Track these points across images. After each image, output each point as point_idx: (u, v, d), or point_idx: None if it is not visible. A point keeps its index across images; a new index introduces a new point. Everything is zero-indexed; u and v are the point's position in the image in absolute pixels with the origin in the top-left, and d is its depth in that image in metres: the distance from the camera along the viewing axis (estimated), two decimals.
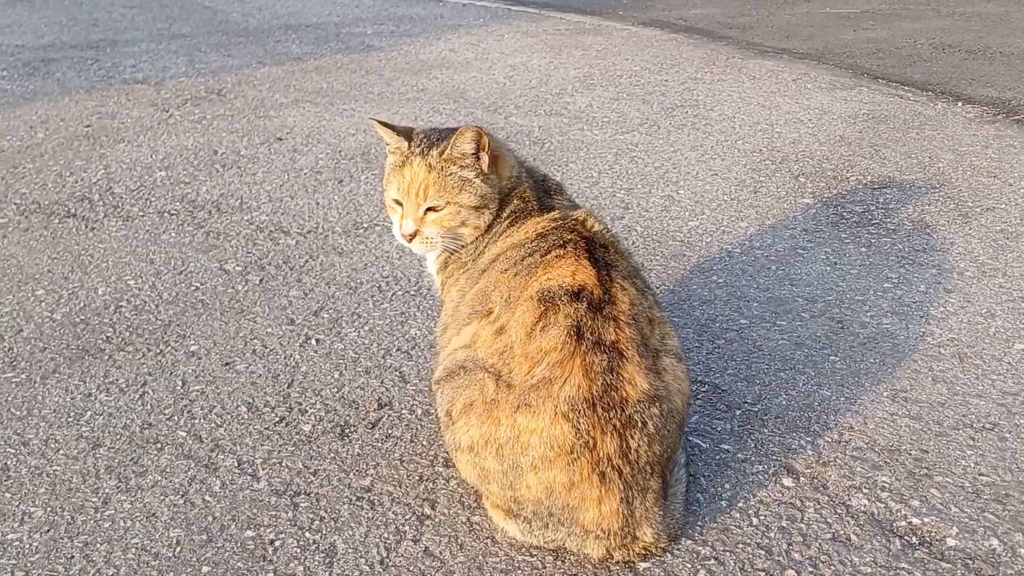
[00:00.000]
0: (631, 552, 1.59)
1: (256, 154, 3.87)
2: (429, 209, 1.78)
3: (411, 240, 1.80)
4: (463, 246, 1.82)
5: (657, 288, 2.66)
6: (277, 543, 1.65)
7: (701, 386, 2.18)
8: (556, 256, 1.67)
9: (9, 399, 2.09)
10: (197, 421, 2.00)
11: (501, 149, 1.85)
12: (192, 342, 2.36)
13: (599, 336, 1.56)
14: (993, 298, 2.62)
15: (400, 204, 1.80)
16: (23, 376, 2.18)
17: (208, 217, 3.19)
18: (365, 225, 3.14)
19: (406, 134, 1.83)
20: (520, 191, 1.86)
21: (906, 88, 5.02)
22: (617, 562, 1.59)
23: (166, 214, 3.21)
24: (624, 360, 1.56)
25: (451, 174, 1.77)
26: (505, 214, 1.83)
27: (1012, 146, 3.95)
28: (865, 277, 2.76)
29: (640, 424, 1.54)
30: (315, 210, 3.27)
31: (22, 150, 3.89)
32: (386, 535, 1.67)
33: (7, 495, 1.77)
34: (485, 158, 1.78)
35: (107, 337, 2.37)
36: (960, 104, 4.66)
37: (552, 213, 1.82)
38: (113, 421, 2.00)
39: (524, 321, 1.59)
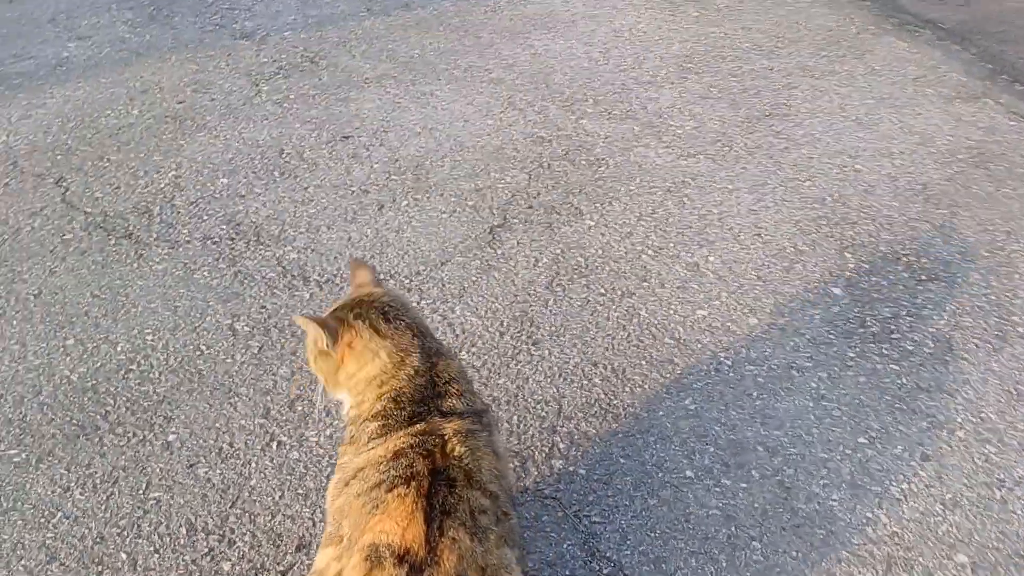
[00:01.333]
0: None
1: (317, 158, 4.02)
2: None
3: None
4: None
5: (622, 412, 2.69)
6: None
7: (605, 563, 2.27)
8: (396, 497, 1.77)
9: (4, 483, 2.45)
10: (141, 541, 2.30)
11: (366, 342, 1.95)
12: (173, 430, 2.64)
13: None
14: (967, 480, 2.49)
15: None
16: (23, 456, 2.54)
17: (244, 250, 3.42)
18: (381, 275, 3.28)
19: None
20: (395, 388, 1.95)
21: None
22: None
23: (209, 242, 3.46)
24: None
25: None
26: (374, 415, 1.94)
27: None
28: (844, 424, 2.67)
29: None
30: (343, 248, 3.43)
31: (113, 133, 4.21)
32: None
33: None
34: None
35: (106, 412, 2.69)
36: None
37: (419, 425, 1.91)
38: (74, 529, 2.33)
39: (353, 571, 1.73)
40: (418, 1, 5.86)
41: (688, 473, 2.51)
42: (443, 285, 3.23)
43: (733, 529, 2.35)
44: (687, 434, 2.63)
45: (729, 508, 2.41)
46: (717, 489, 2.46)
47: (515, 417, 2.68)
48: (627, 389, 2.79)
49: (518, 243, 3.47)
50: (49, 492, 2.42)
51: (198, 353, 2.92)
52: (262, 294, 3.19)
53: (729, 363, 2.90)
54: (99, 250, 3.41)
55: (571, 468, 2.53)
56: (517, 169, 3.97)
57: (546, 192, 3.81)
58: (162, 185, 3.81)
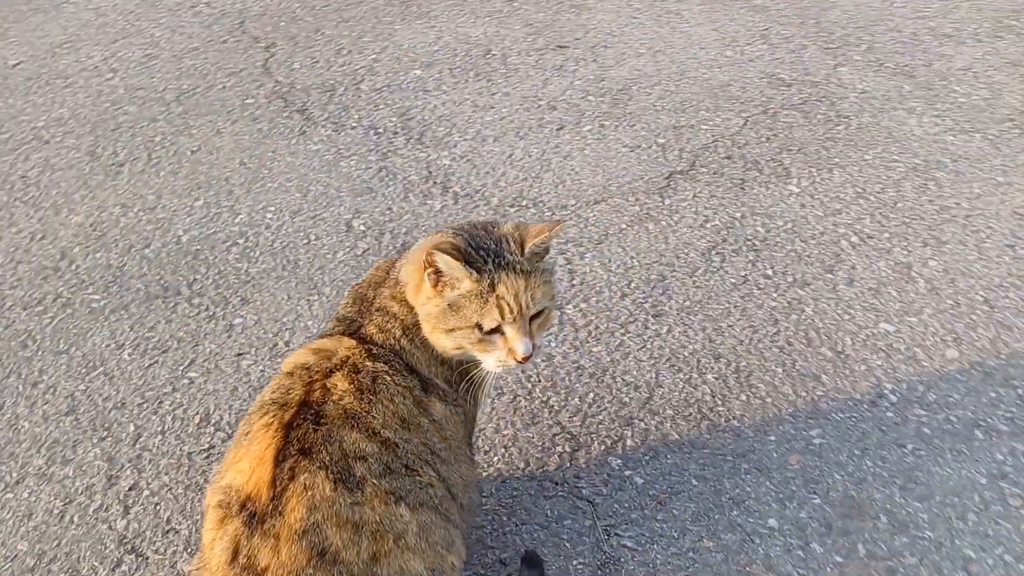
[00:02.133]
0: None
1: (520, 65, 3.68)
2: (533, 318, 1.59)
3: (527, 361, 1.57)
4: None
5: (722, 424, 2.16)
6: None
7: None
8: (261, 428, 1.48)
9: (71, 326, 2.46)
10: (154, 418, 2.20)
11: None
12: (242, 313, 2.51)
13: (252, 560, 1.39)
14: None
15: (499, 332, 1.55)
16: (101, 304, 2.54)
17: (401, 147, 3.20)
18: (524, 201, 2.91)
19: (475, 266, 1.54)
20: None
21: None
22: None
23: (372, 132, 3.28)
24: None
25: (543, 271, 1.60)
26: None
27: None
28: (1019, 520, 1.93)
29: None
30: (499, 164, 3.10)
31: (340, 8, 4.15)
32: None
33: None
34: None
35: (194, 280, 2.61)
36: None
37: (326, 340, 1.62)
38: (103, 389, 2.28)
39: (208, 527, 1.46)
40: None
41: (772, 522, 1.94)
42: (585, 226, 2.80)
43: None
44: (794, 473, 2.04)
45: None
46: (800, 553, 1.87)
47: (591, 394, 2.24)
48: (743, 397, 2.22)
49: (694, 196, 2.92)
50: (103, 345, 2.39)
51: (304, 242, 2.76)
52: (394, 195, 2.95)
53: (894, 399, 2.22)
54: (269, 119, 3.35)
55: (627, 472, 2.05)
56: (734, 111, 3.36)
57: (756, 143, 3.18)
58: (357, 67, 3.68)
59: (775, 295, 2.54)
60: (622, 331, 2.42)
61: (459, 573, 1.57)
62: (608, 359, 2.34)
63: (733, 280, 2.59)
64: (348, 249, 2.71)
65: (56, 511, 1.96)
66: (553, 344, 2.37)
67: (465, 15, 4.07)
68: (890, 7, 4.12)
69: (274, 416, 1.48)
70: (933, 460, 2.06)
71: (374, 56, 3.75)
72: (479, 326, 1.54)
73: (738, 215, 2.84)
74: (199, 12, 4.11)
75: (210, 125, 3.30)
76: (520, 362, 1.56)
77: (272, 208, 2.89)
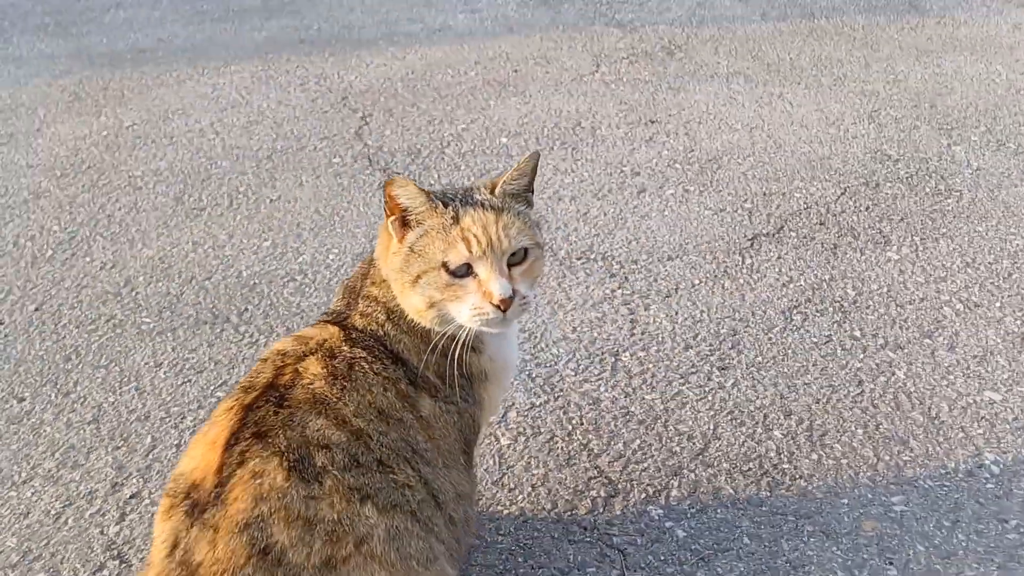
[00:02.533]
0: None
1: (608, 136, 3.61)
2: (511, 264, 1.39)
3: (507, 308, 1.35)
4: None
5: (786, 481, 1.87)
6: None
7: None
8: (221, 413, 1.33)
9: (117, 344, 2.43)
10: (172, 432, 2.10)
11: None
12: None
13: (188, 553, 1.22)
14: None
15: (471, 275, 1.37)
16: (151, 326, 2.51)
17: None
18: (592, 255, 2.76)
19: (440, 200, 1.41)
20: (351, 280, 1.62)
21: None
22: None
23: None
24: None
25: (520, 211, 1.42)
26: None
27: None
28: None
29: None
30: (572, 220, 2.97)
31: (439, 88, 4.22)
32: None
33: None
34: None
35: (245, 310, 2.56)
36: None
37: (311, 328, 1.49)
38: (132, 402, 2.21)
39: (156, 519, 1.31)
40: (825, 12, 5.13)
41: None
42: (654, 280, 2.61)
43: None
44: (868, 540, 1.73)
45: None
46: None
47: (637, 441, 2.00)
48: (814, 456, 1.94)
49: (778, 258, 2.70)
50: (141, 362, 2.34)
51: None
52: None
53: (996, 470, 1.88)
54: (351, 176, 3.37)
55: (668, 523, 1.79)
56: (832, 182, 3.14)
57: (854, 212, 2.94)
58: (446, 134, 3.69)
59: (862, 356, 2.26)
60: (681, 381, 2.19)
61: None
62: (662, 407, 2.11)
63: (814, 339, 2.33)
64: None
65: (53, 512, 1.86)
66: (602, 388, 2.16)
67: (560, 94, 4.06)
68: (1015, 94, 3.86)
69: (236, 399, 1.35)
70: None
71: (464, 126, 3.76)
72: (445, 265, 1.36)
73: (826, 278, 2.60)
74: (307, 88, 4.27)
75: (294, 179, 3.34)
76: (499, 308, 1.35)
77: (336, 250, 2.84)
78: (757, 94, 3.97)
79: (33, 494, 1.91)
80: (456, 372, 1.46)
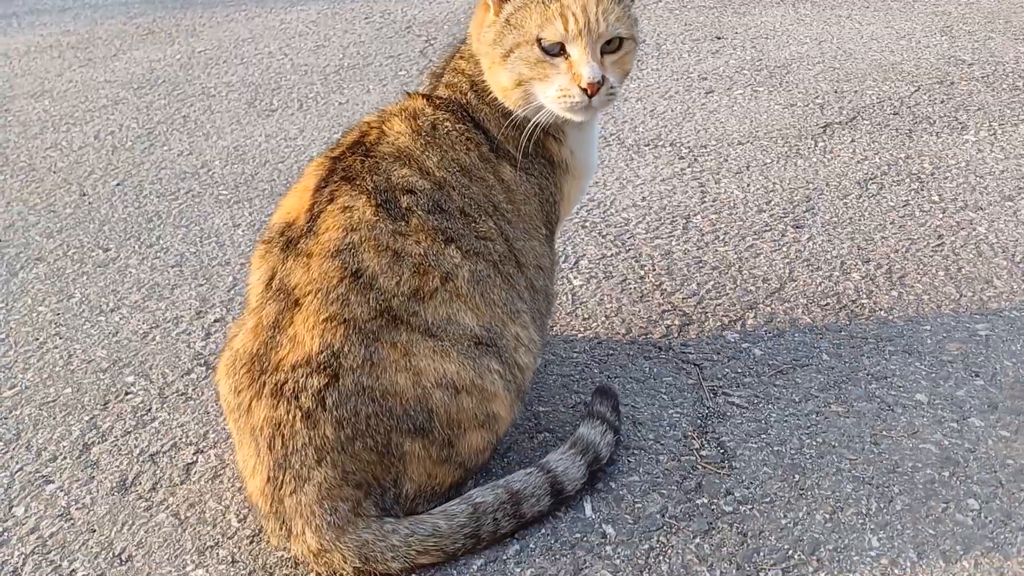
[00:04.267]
0: (293, 550, 1.28)
1: (670, 51, 3.59)
2: (604, 52, 1.36)
3: (594, 94, 1.32)
4: None
5: (865, 314, 1.85)
6: None
7: (713, 447, 1.52)
8: (311, 170, 1.37)
9: (195, 212, 2.49)
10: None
11: None
12: None
13: (284, 281, 1.26)
14: None
15: (563, 50, 1.34)
16: (226, 197, 2.56)
17: None
18: (661, 143, 2.75)
19: None
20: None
21: None
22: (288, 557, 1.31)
23: None
24: (298, 310, 1.23)
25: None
26: None
27: None
28: None
29: (291, 394, 1.21)
30: (640, 116, 2.96)
31: None
32: None
33: None
34: None
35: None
36: None
37: (406, 101, 1.48)
38: (205, 254, 2.26)
39: (252, 270, 1.35)
40: None
41: (920, 397, 1.60)
42: (724, 160, 2.60)
43: (947, 476, 1.41)
44: (952, 358, 1.69)
45: (955, 450, 1.46)
46: (955, 426, 1.52)
47: (711, 283, 1.99)
48: (894, 293, 1.91)
49: (852, 140, 2.66)
50: (220, 223, 2.40)
51: None
52: None
53: None
54: (416, 83, 3.38)
55: (744, 344, 1.78)
56: (905, 82, 3.09)
57: (929, 103, 2.89)
58: None
59: (941, 216, 2.22)
60: (755, 236, 2.18)
61: (527, 357, 1.36)
62: (735, 256, 2.09)
63: (890, 204, 2.29)
64: None
65: (141, 332, 1.92)
66: (673, 243, 2.15)
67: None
68: None
69: (324, 156, 1.38)
70: None
71: None
72: (539, 41, 1.33)
73: (901, 156, 2.55)
74: (371, 20, 4.33)
75: (361, 87, 3.39)
76: (586, 92, 1.32)
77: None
78: (825, 16, 3.92)
79: (121, 319, 1.97)
80: (538, 153, 1.47)
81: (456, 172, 1.36)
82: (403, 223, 1.27)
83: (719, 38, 3.69)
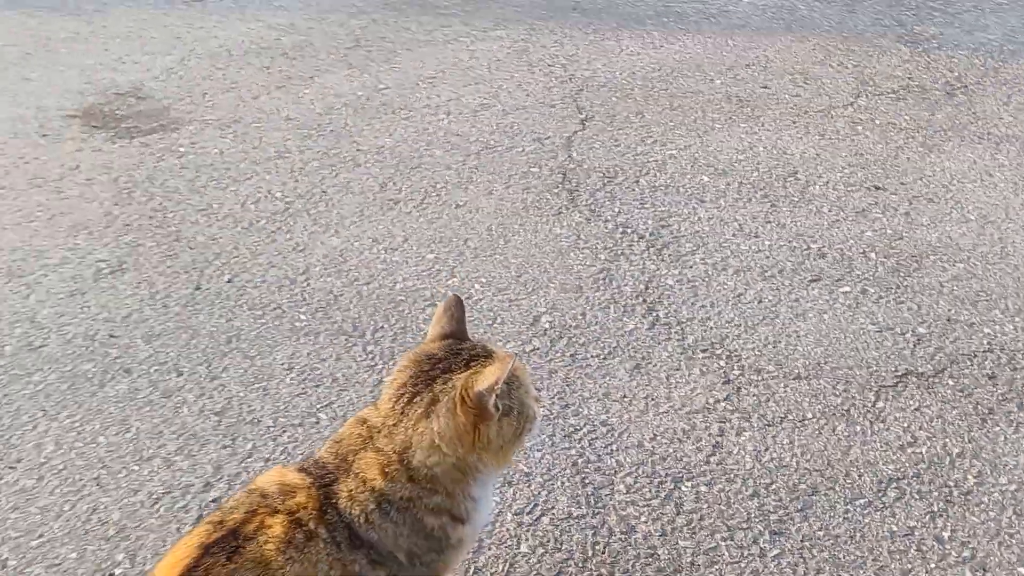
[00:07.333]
0: None
1: (813, 199, 3.38)
2: None
3: None
4: None
5: None
6: None
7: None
8: (199, 531, 1.50)
9: (268, 338, 2.82)
10: (272, 445, 2.45)
11: None
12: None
13: None
14: None
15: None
16: (302, 324, 2.86)
17: (632, 255, 3.14)
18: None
19: None
20: None
21: None
22: None
23: (619, 230, 3.26)
24: None
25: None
26: None
27: None
28: None
29: None
30: (696, 311, 2.89)
31: (672, 95, 4.13)
32: None
33: None
34: None
35: (376, 328, 2.84)
36: None
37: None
38: (246, 406, 2.59)
39: None
40: None
41: None
42: (765, 402, 2.52)
43: None
44: None
45: None
46: None
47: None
48: None
49: (916, 410, 2.47)
50: (278, 363, 2.70)
51: (488, 323, 2.85)
52: (596, 302, 2.91)
53: None
54: (537, 192, 3.47)
55: None
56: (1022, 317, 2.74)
57: None
58: (650, 159, 3.65)
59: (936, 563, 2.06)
60: (725, 536, 2.15)
61: None
62: (688, 560, 2.10)
63: (894, 528, 2.16)
64: (521, 342, 2.74)
65: (155, 497, 2.28)
66: (643, 515, 2.18)
67: (796, 128, 3.81)
68: None
69: (204, 531, 1.49)
70: None
71: (673, 152, 3.69)
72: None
73: (955, 451, 2.35)
74: (551, 71, 4.36)
75: (487, 184, 3.52)
76: None
77: (482, 280, 3.01)
78: (1019, 175, 3.46)
79: (149, 472, 2.35)
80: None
81: None
82: None
83: (878, 188, 3.41)
